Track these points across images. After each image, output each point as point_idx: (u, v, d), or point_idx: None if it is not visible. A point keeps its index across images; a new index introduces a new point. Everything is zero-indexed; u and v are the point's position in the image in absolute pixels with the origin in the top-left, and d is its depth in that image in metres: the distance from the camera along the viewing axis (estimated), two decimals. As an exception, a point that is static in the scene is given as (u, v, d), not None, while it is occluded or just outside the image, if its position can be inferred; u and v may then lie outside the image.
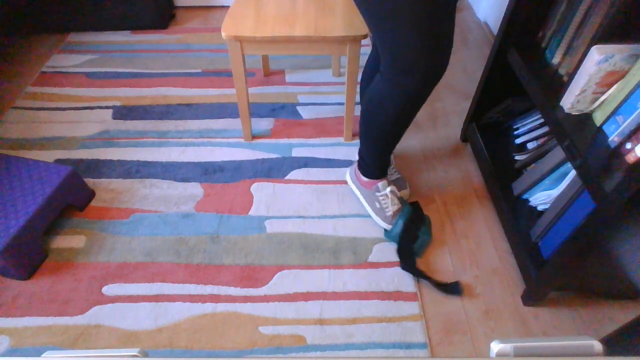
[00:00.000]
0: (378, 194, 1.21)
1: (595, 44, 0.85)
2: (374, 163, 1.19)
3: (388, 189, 1.20)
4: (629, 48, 0.83)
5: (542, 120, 1.28)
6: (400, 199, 1.23)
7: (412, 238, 1.19)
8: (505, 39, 1.16)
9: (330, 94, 1.72)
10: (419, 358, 0.97)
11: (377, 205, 1.21)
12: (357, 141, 1.52)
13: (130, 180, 1.37)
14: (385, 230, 1.22)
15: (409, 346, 1.01)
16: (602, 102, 0.90)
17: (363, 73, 1.23)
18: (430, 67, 0.89)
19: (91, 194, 1.32)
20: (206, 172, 1.40)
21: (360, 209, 1.29)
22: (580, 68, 0.89)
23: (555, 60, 1.06)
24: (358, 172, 1.25)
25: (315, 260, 1.17)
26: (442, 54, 0.89)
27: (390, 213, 1.20)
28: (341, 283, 1.12)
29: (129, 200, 1.31)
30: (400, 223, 1.19)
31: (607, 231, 0.82)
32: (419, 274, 1.13)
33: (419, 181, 1.39)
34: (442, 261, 1.18)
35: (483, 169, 1.35)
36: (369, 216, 1.26)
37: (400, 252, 1.17)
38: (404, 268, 1.14)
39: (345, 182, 1.37)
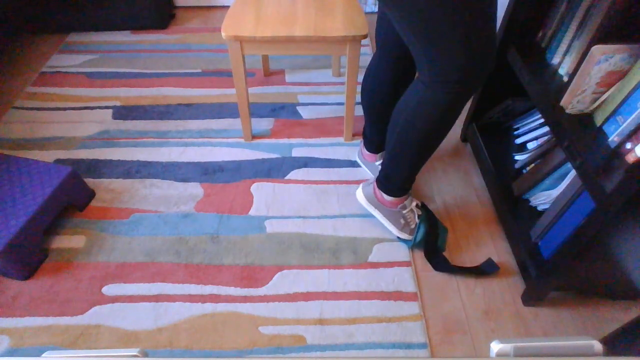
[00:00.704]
0: (404, 211, 1.18)
1: (595, 44, 0.85)
2: (404, 181, 1.13)
3: (414, 204, 1.19)
4: (629, 48, 0.83)
5: (542, 120, 1.28)
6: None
7: (434, 237, 1.19)
8: (505, 39, 1.16)
9: (330, 94, 1.72)
10: (419, 358, 0.97)
11: (402, 221, 1.19)
12: (357, 141, 1.52)
13: (130, 180, 1.37)
14: (407, 241, 1.20)
15: (409, 346, 1.01)
16: (602, 102, 0.90)
17: (365, 75, 1.21)
18: (478, 73, 0.86)
19: (91, 194, 1.32)
20: (206, 172, 1.40)
21: (360, 209, 1.29)
22: (580, 68, 0.89)
23: (555, 60, 1.06)
24: (379, 192, 1.19)
25: (315, 260, 1.17)
26: (490, 56, 0.86)
27: (414, 225, 1.19)
28: (341, 283, 1.12)
29: (129, 200, 1.31)
30: (422, 229, 1.18)
31: (607, 231, 0.82)
32: (456, 271, 1.13)
33: (419, 181, 1.39)
34: (442, 261, 1.18)
35: (483, 169, 1.35)
36: (369, 216, 1.26)
37: (428, 255, 1.17)
38: (440, 270, 1.14)
39: (346, 182, 1.37)
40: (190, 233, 1.23)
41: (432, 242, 1.19)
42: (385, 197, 1.18)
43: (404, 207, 1.18)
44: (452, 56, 0.83)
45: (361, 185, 1.24)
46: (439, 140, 1.03)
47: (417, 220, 1.19)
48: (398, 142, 1.04)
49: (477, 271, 1.14)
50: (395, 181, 1.14)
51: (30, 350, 1.00)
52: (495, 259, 1.18)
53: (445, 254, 1.19)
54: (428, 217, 1.22)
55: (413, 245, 1.19)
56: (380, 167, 1.33)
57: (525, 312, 1.07)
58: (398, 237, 1.21)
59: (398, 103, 1.00)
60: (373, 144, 1.32)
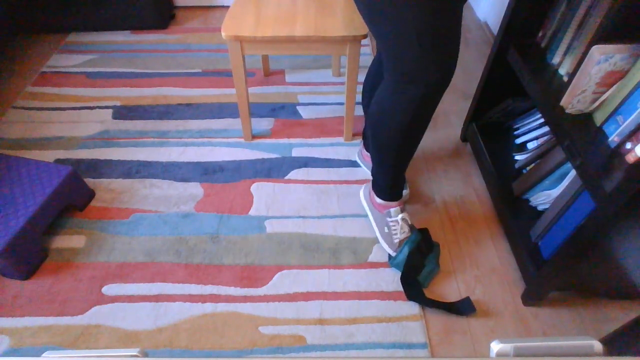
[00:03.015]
0: (389, 219, 1.15)
1: (595, 44, 0.85)
2: (387, 183, 1.13)
3: (400, 216, 1.15)
4: (629, 48, 0.83)
5: (542, 120, 1.28)
6: (411, 226, 1.18)
7: (417, 267, 1.12)
8: (505, 39, 1.16)
9: (330, 94, 1.72)
10: (419, 358, 0.97)
11: (386, 230, 1.16)
12: (357, 141, 1.52)
13: (130, 180, 1.37)
14: (390, 256, 1.16)
15: (409, 346, 1.01)
16: (602, 102, 0.90)
17: (366, 77, 1.21)
18: (434, 75, 0.85)
19: (91, 194, 1.32)
20: (206, 172, 1.40)
21: (361, 210, 1.29)
22: (580, 68, 0.89)
23: (555, 60, 1.06)
24: (372, 192, 1.19)
25: (315, 260, 1.17)
26: (446, 63, 0.85)
27: (397, 240, 1.15)
28: (341, 283, 1.12)
29: (129, 200, 1.31)
30: (405, 250, 1.13)
31: (607, 231, 0.82)
32: (428, 303, 1.07)
33: (419, 181, 1.39)
34: (443, 262, 1.18)
35: (483, 169, 1.35)
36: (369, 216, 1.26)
37: (404, 280, 1.11)
38: (410, 298, 1.08)
39: (346, 182, 1.37)
40: (190, 233, 1.23)
41: (412, 272, 1.12)
42: (375, 198, 1.19)
43: (389, 215, 1.15)
44: (404, 58, 0.84)
45: (365, 184, 1.24)
46: (411, 142, 1.01)
47: (401, 235, 1.14)
48: (373, 142, 1.04)
49: (451, 308, 1.07)
50: (380, 182, 1.14)
51: (30, 350, 1.00)
52: (495, 259, 1.18)
53: (434, 280, 1.13)
54: (420, 245, 1.15)
55: (391, 263, 1.14)
56: None
57: (525, 312, 1.07)
58: (385, 250, 1.18)
59: (371, 104, 1.00)
60: None
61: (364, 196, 1.25)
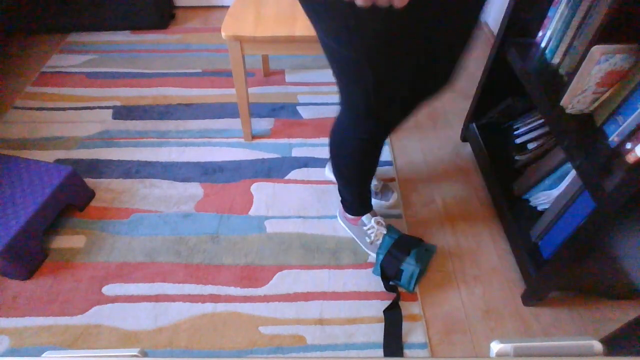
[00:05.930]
0: (365, 227, 1.16)
1: (595, 44, 0.85)
2: (353, 200, 1.15)
3: (372, 220, 1.15)
4: (629, 48, 0.83)
5: (542, 120, 1.28)
6: (388, 227, 1.17)
7: (395, 273, 1.10)
8: (505, 39, 1.16)
9: (330, 94, 1.72)
10: (419, 358, 0.97)
11: (368, 239, 1.16)
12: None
13: (130, 180, 1.37)
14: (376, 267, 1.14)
15: (409, 346, 1.01)
16: (602, 102, 0.90)
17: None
18: (376, 122, 0.89)
19: (91, 194, 1.32)
20: (206, 172, 1.40)
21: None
22: (580, 68, 0.89)
23: (555, 60, 1.06)
24: (343, 210, 1.21)
25: (315, 260, 1.17)
26: (390, 117, 0.88)
27: (380, 244, 1.15)
28: (341, 283, 1.12)
29: (129, 200, 1.31)
30: (380, 259, 1.12)
31: (607, 231, 0.82)
32: (391, 288, 1.09)
33: (419, 181, 1.39)
34: (443, 262, 1.18)
35: (483, 169, 1.35)
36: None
37: (387, 287, 1.10)
38: (388, 290, 1.09)
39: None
40: (190, 233, 1.23)
41: (390, 278, 1.10)
42: (347, 214, 1.20)
43: (364, 224, 1.16)
44: (351, 99, 0.86)
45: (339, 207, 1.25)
46: (366, 165, 1.02)
47: (381, 239, 1.14)
48: (333, 164, 1.07)
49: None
50: (347, 200, 1.16)
51: (30, 350, 1.00)
52: (495, 259, 1.18)
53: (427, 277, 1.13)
54: (391, 251, 1.12)
55: (374, 273, 1.13)
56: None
57: (525, 312, 1.07)
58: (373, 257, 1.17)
59: (331, 132, 1.03)
60: None
61: (339, 217, 1.25)
